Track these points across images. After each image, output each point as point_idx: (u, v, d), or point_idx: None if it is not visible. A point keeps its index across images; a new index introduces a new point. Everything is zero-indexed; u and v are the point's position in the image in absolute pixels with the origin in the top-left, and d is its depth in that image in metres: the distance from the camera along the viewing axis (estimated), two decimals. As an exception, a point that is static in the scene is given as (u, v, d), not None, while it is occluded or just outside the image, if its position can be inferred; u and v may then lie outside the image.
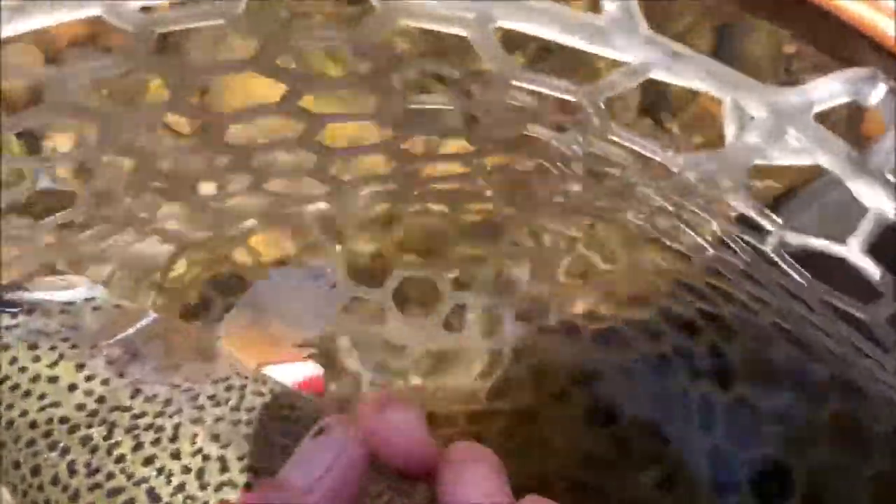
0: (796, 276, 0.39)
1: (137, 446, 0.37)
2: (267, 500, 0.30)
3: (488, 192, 0.49)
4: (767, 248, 0.38)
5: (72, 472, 0.37)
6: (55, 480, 0.37)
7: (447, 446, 0.34)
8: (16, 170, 0.52)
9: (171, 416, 0.38)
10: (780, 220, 0.38)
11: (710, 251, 0.40)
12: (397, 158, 0.45)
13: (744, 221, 0.39)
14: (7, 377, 0.39)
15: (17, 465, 0.38)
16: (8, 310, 0.41)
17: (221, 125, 0.38)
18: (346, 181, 0.47)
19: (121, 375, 0.39)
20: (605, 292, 0.58)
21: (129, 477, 0.37)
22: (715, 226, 0.39)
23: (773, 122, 0.32)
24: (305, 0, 0.31)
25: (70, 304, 0.42)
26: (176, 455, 0.37)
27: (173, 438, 0.37)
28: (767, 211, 0.38)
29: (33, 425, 0.38)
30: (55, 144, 0.65)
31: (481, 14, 0.30)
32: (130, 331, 0.41)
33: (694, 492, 0.57)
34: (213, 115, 0.38)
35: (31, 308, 0.42)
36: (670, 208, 0.40)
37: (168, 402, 0.38)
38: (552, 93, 0.33)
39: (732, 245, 0.40)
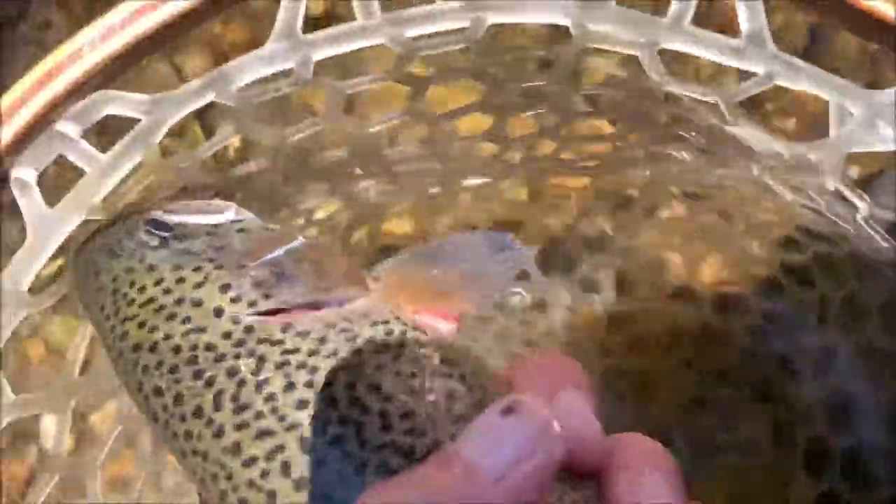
0: (882, 241, 0.49)
1: (289, 386, 0.33)
2: (452, 483, 0.26)
3: (626, 163, 0.59)
4: (859, 218, 0.48)
5: (217, 405, 0.34)
6: (199, 412, 0.34)
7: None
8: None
9: (326, 357, 0.34)
10: (868, 198, 0.48)
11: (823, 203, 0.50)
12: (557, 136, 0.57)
13: (840, 198, 0.48)
14: (152, 299, 0.37)
15: (158, 392, 0.35)
16: (155, 231, 0.39)
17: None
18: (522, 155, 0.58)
19: (267, 297, 0.36)
20: (724, 255, 0.67)
21: (280, 419, 0.33)
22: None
23: (867, 116, 0.42)
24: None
25: (217, 226, 0.40)
26: (333, 401, 0.33)
27: (329, 383, 0.34)
28: (859, 190, 0.48)
29: (177, 350, 0.35)
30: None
31: (650, 39, 0.40)
32: (279, 251, 0.38)
33: (800, 446, 0.65)
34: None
35: (179, 229, 0.40)
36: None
37: (323, 340, 0.35)
38: (697, 96, 0.43)
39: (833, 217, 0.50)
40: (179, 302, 0.36)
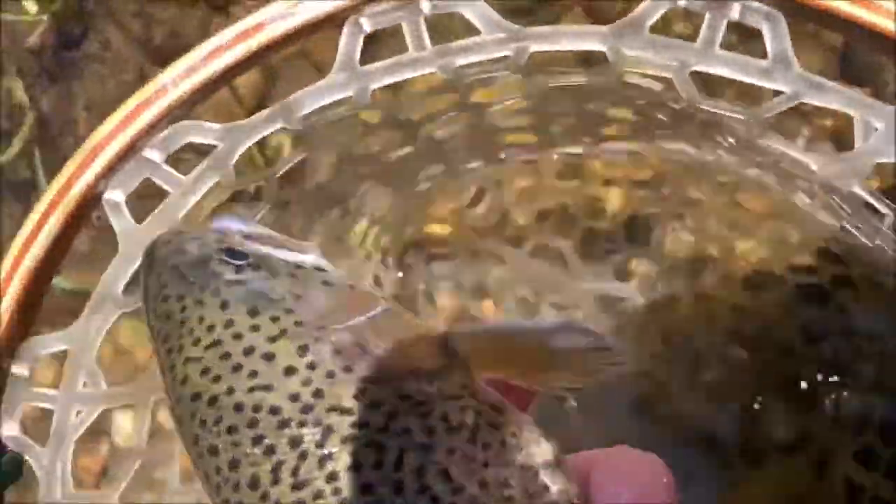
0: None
1: (355, 466, 0.31)
2: None
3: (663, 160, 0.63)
4: (884, 225, 0.50)
5: (275, 478, 0.31)
6: (255, 483, 0.31)
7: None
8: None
9: (396, 435, 0.31)
10: (893, 205, 0.50)
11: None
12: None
13: (866, 205, 0.51)
14: (218, 342, 0.33)
15: (214, 452, 0.32)
16: (233, 261, 0.35)
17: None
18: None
19: (347, 370, 0.33)
20: (757, 242, 0.70)
21: None
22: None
23: (891, 130, 0.44)
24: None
25: (299, 268, 0.36)
26: (398, 488, 0.30)
27: (397, 466, 0.31)
28: (883, 198, 0.50)
29: (239, 408, 0.32)
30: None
31: (682, 62, 0.43)
32: (362, 318, 0.35)
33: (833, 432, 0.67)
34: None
35: (258, 263, 0.36)
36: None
37: (393, 415, 0.32)
38: (726, 113, 0.46)
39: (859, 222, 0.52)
40: (249, 352, 0.33)
